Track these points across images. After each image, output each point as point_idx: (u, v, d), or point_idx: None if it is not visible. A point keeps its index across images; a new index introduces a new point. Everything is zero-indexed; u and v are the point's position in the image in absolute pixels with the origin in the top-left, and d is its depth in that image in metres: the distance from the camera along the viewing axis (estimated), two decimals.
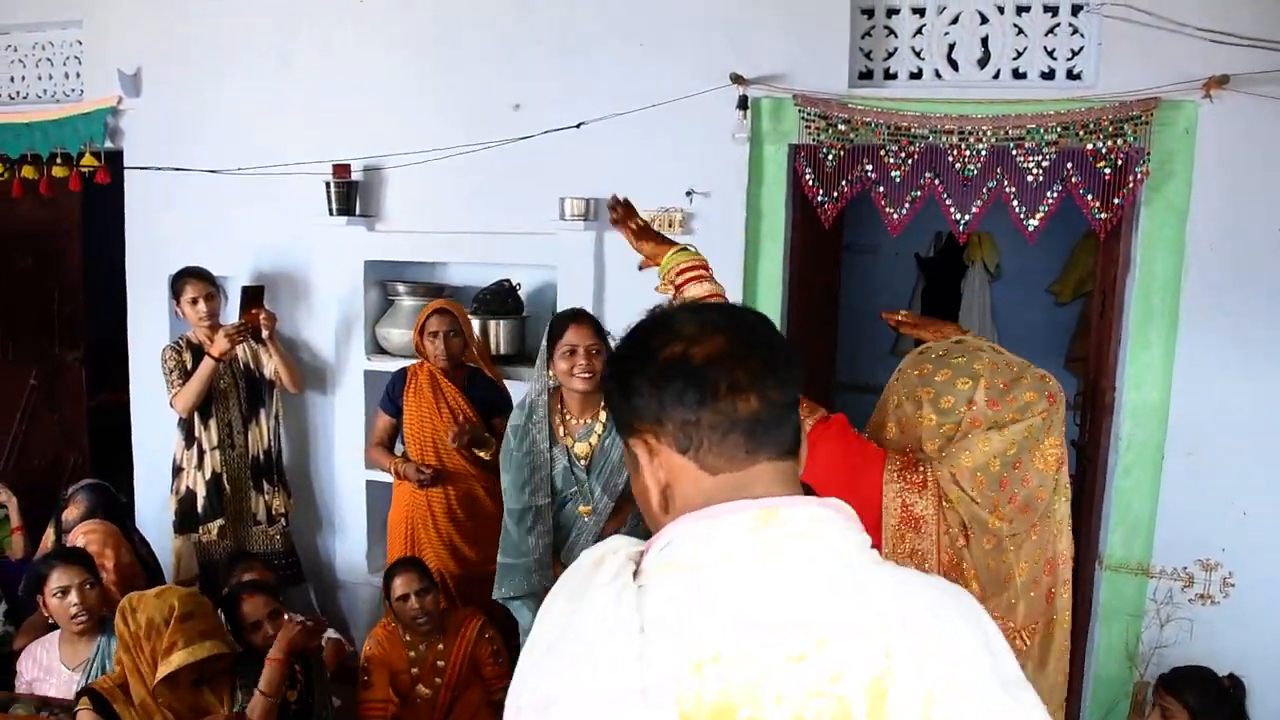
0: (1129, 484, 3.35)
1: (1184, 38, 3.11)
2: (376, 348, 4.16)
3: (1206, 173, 3.18)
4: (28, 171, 4.30)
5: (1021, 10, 3.39)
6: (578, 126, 3.58)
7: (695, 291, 2.13)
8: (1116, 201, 3.20)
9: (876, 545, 1.67)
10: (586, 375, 2.88)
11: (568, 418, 3.03)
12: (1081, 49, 3.36)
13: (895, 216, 3.41)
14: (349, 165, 3.91)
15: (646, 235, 2.37)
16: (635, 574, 0.98)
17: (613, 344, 3.00)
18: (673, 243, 2.35)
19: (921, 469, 1.95)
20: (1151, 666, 3.34)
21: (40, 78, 4.61)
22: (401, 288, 4.08)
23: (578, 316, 2.99)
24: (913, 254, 6.17)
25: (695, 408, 0.99)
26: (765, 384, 1.00)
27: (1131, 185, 3.19)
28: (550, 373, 2.98)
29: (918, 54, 3.50)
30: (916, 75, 3.52)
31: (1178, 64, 3.14)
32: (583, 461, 3.00)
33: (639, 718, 0.88)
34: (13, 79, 4.65)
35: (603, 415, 3.00)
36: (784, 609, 0.91)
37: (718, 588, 0.93)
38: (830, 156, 3.41)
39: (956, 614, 0.95)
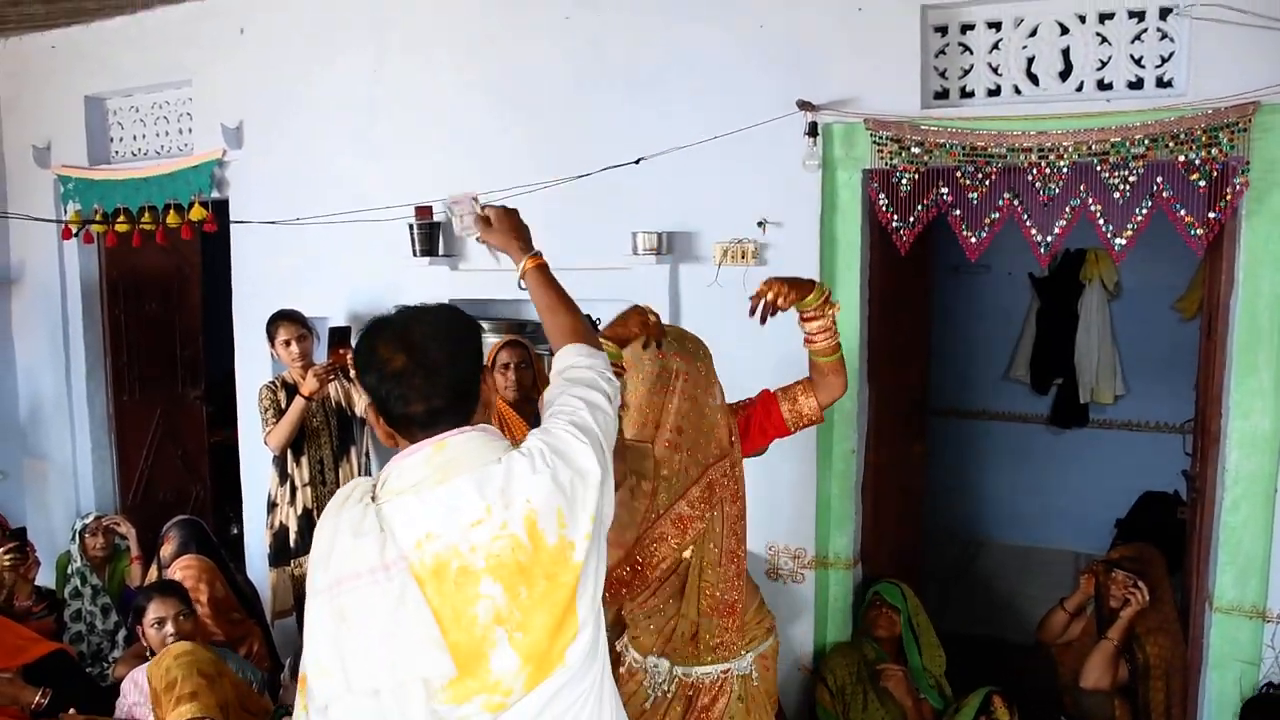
0: (1237, 519, 3.09)
1: None
2: None
3: None
4: (145, 224, 4.59)
5: (1104, 18, 3.21)
6: (636, 162, 3.57)
7: (810, 327, 2.50)
8: (1213, 215, 2.98)
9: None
10: None
11: None
12: (1172, 55, 3.15)
13: (973, 240, 3.27)
14: (430, 207, 4.01)
15: (794, 285, 2.42)
16: (373, 499, 1.53)
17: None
18: (810, 283, 2.45)
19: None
20: None
21: (157, 134, 4.93)
22: (485, 325, 4.14)
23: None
24: (1026, 273, 5.90)
25: (383, 411, 1.57)
26: (426, 394, 1.53)
27: (1230, 197, 2.96)
28: None
29: (995, 70, 3.36)
30: (995, 92, 3.37)
31: (1278, 64, 2.91)
32: None
33: (389, 581, 1.44)
34: (135, 137, 4.99)
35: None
36: (463, 497, 1.48)
37: (421, 496, 1.49)
38: (904, 181, 3.30)
39: (545, 464, 1.52)
